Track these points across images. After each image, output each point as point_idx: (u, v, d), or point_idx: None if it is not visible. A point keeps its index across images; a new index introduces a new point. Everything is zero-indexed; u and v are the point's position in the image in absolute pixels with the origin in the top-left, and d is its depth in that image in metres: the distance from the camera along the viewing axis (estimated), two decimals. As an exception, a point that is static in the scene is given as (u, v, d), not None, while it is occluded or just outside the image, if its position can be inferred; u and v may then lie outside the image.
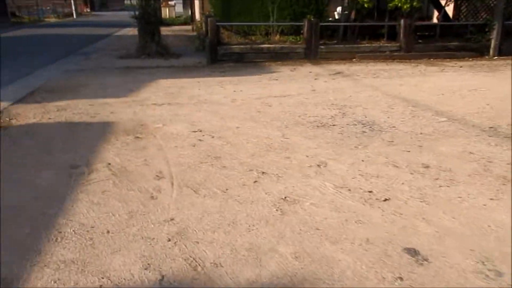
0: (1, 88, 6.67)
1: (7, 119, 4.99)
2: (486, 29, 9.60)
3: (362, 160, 3.69)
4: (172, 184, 3.23)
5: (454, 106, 5.50)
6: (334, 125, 4.75)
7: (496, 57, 9.54)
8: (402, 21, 9.23)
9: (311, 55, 9.15)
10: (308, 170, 3.49)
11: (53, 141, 4.22)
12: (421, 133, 4.42)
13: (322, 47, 9.25)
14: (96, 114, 5.22)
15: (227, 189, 3.12)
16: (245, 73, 8.00)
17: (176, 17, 27.38)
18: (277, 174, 3.40)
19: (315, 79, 7.46)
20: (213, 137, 4.35)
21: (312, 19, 8.89)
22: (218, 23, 8.73)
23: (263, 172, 3.43)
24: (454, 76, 7.70)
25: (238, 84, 7.07)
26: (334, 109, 5.43)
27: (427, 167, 3.52)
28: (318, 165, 3.59)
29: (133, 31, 16.80)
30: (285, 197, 2.99)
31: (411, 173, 3.38)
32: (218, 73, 8.09)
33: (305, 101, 5.83)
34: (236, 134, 4.43)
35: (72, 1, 34.20)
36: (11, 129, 4.60)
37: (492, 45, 9.61)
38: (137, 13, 9.65)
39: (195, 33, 15.40)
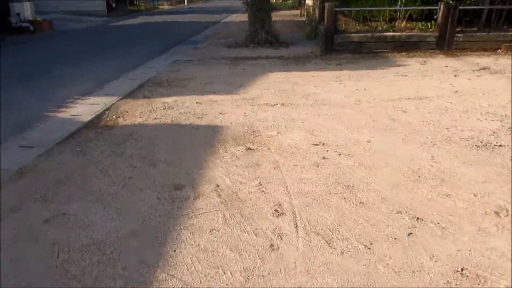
0: (113, 80, 6.56)
1: (114, 117, 4.71)
2: None
3: None
4: (296, 226, 2.48)
5: None
6: (500, 145, 3.59)
7: None
8: None
9: (445, 44, 7.73)
10: (484, 220, 2.49)
11: (157, 148, 3.76)
12: None
13: (459, 35, 7.76)
14: (203, 114, 4.70)
15: (371, 244, 2.29)
16: (366, 66, 6.96)
17: (282, 1, 26.68)
18: (438, 223, 2.46)
19: (455, 75, 6.15)
20: (339, 154, 3.51)
21: (451, 2, 7.44)
22: (336, 9, 7.75)
23: (417, 218, 2.52)
24: None
25: (360, 80, 6.09)
26: (492, 120, 4.22)
27: None
28: (497, 213, 2.56)
29: (240, 17, 16.51)
30: (461, 270, 2.06)
31: None
32: (334, 65, 7.17)
33: (450, 107, 4.67)
34: (369, 152, 3.53)
35: (183, -12, 35.38)
36: (116, 130, 4.26)
37: None
38: (248, -1, 9.09)
39: (303, 19, 14.53)
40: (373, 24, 8.56)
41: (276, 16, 16.71)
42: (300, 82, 6.05)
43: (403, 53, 7.83)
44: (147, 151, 3.69)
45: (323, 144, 3.73)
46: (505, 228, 2.41)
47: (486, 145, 3.61)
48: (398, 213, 2.59)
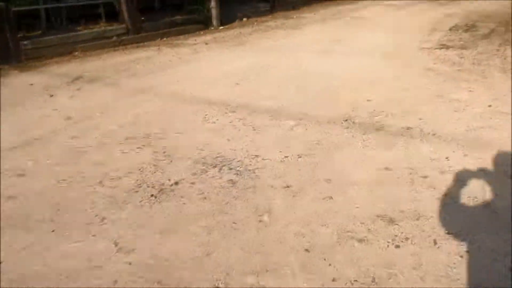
0: None
1: None
2: (204, -2, 8.97)
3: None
4: None
5: (277, 98, 4.49)
6: (175, 183, 2.86)
7: (221, 27, 9.12)
8: (122, -3, 7.37)
9: (12, 57, 6.15)
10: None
11: None
12: (299, 156, 3.17)
13: (25, 42, 6.36)
14: None
15: None
16: None
17: None
18: None
19: (51, 96, 4.86)
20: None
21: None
22: None
23: None
24: (212, 57, 6.66)
25: None
26: (141, 147, 3.42)
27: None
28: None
29: None
30: None
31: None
32: None
33: (86, 150, 3.48)
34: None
35: None
36: None
37: (214, 15, 9.09)
38: None
39: None
40: None
41: None
42: None
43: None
44: None
45: None
46: (291, 324, 1.71)
47: (162, 189, 2.78)
48: None
